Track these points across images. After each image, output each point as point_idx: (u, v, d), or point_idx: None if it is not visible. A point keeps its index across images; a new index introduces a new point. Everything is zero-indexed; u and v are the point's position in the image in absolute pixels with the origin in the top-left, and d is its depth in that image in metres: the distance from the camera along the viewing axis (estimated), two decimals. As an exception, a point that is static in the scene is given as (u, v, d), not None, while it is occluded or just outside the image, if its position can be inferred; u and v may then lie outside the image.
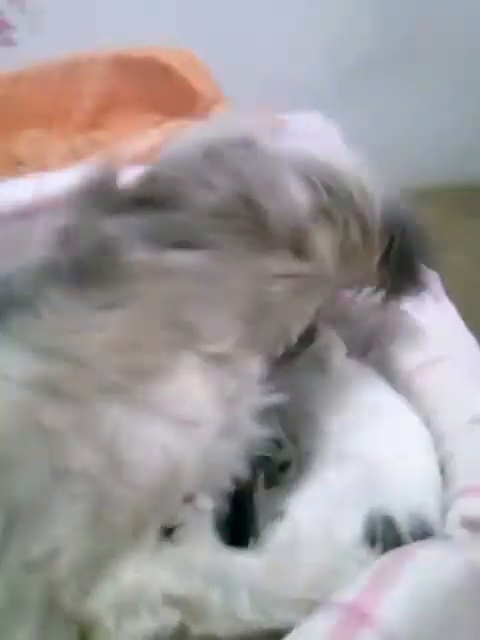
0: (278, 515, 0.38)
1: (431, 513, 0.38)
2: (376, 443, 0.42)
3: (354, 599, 0.31)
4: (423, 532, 0.38)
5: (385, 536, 0.37)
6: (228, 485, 0.38)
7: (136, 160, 0.76)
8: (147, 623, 0.32)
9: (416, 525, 0.38)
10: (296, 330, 0.43)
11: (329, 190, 0.39)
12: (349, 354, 0.50)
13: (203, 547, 0.35)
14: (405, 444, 0.42)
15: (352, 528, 0.37)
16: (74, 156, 0.94)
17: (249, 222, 0.38)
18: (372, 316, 0.55)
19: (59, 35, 1.37)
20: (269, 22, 1.40)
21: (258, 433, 0.39)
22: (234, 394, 0.38)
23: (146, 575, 0.33)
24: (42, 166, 0.95)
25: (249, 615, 0.32)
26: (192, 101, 1.00)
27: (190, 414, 0.36)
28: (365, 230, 0.40)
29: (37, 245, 0.45)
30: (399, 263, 0.43)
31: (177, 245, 0.38)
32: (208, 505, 0.37)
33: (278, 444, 0.43)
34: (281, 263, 0.39)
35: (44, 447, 0.34)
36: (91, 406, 0.35)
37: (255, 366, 0.40)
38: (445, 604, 0.31)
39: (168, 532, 0.35)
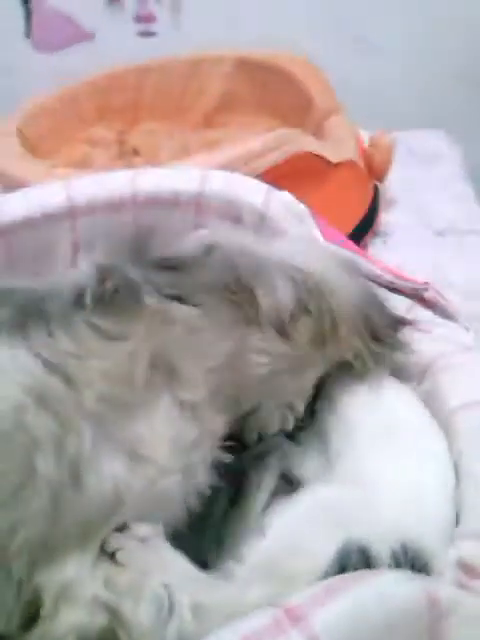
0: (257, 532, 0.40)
1: (429, 548, 0.38)
2: (384, 469, 0.42)
3: (296, 604, 0.32)
4: (414, 566, 0.37)
5: (358, 566, 0.37)
6: (180, 515, 0.43)
7: (236, 163, 0.79)
8: (81, 616, 0.35)
9: (403, 559, 0.37)
10: (297, 405, 0.50)
11: (307, 288, 0.49)
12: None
13: (141, 567, 0.38)
14: (418, 474, 0.42)
15: (325, 553, 0.37)
16: (184, 153, 0.97)
17: (243, 300, 0.47)
18: (432, 346, 0.56)
19: (197, 28, 1.42)
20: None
21: (205, 481, 0.44)
22: (192, 443, 0.43)
23: (85, 575, 0.37)
24: (153, 159, 0.99)
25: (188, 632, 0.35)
26: (308, 110, 1.01)
27: (147, 452, 0.41)
28: (333, 321, 0.49)
29: (68, 262, 0.52)
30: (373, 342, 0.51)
31: (179, 300, 0.46)
32: (146, 532, 0.40)
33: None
34: (266, 340, 0.47)
35: (21, 443, 0.39)
36: (69, 424, 0.40)
37: (219, 424, 0.46)
38: (387, 629, 0.31)
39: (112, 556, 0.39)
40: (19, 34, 1.54)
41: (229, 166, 0.76)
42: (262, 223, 0.68)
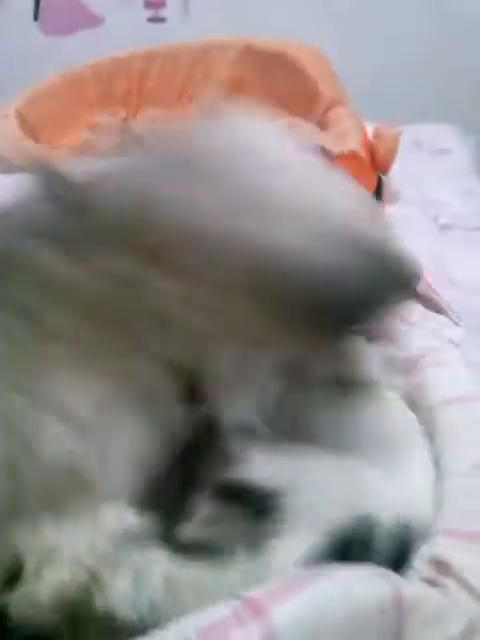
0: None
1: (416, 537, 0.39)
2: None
3: (257, 596, 0.31)
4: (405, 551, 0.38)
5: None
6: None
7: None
8: (63, 575, 0.36)
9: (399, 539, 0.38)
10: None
11: None
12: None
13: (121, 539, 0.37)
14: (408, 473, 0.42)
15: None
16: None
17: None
18: (422, 341, 0.56)
19: (207, 14, 1.41)
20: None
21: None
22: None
23: (67, 541, 0.37)
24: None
25: (159, 603, 0.35)
26: (314, 99, 1.00)
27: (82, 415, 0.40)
28: None
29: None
30: None
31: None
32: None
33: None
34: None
35: None
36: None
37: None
38: (350, 625, 0.31)
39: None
40: (28, 17, 1.54)
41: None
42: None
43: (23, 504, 0.38)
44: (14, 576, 0.37)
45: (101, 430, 0.40)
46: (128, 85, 1.08)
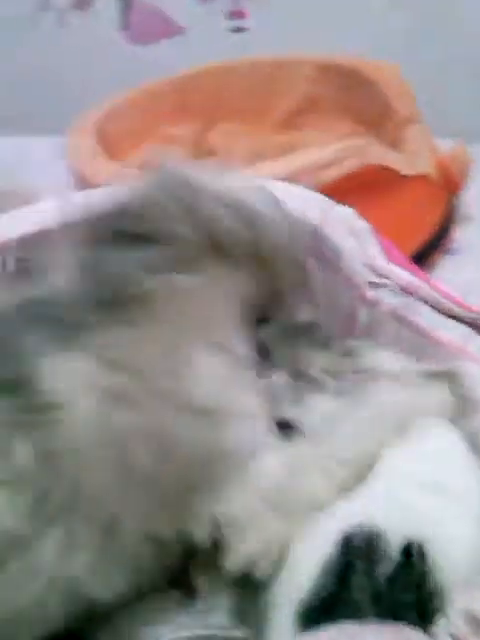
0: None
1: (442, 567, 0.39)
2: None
3: None
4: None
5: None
6: None
7: (302, 173, 0.78)
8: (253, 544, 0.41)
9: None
10: None
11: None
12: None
13: None
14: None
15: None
16: (257, 158, 0.97)
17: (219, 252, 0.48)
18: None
19: (289, 25, 1.41)
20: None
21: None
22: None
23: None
24: (229, 161, 1.00)
25: None
26: (388, 117, 0.99)
27: (211, 405, 0.43)
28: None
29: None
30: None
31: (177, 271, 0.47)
32: None
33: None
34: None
35: (113, 448, 0.40)
36: (150, 410, 0.40)
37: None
38: None
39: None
40: (114, 26, 1.57)
41: (295, 176, 0.76)
42: (317, 239, 0.68)
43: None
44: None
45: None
46: (204, 99, 1.10)
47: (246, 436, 0.43)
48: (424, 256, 0.85)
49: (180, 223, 0.48)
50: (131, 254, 0.46)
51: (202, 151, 1.05)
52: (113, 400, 0.40)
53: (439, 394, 0.52)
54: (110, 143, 0.97)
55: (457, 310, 0.60)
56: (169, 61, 1.34)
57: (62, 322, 0.44)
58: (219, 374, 0.44)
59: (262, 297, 0.52)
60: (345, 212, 0.69)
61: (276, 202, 0.56)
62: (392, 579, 0.39)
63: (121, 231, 0.48)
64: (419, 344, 0.61)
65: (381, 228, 0.83)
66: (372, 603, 0.38)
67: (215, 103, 1.10)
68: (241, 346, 0.48)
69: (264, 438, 0.44)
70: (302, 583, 0.40)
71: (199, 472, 0.41)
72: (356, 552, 0.40)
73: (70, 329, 0.43)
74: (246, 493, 0.42)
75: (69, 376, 0.40)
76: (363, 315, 0.68)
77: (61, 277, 0.47)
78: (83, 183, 0.85)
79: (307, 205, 0.68)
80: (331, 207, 0.69)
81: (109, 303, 0.44)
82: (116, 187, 0.69)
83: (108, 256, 0.46)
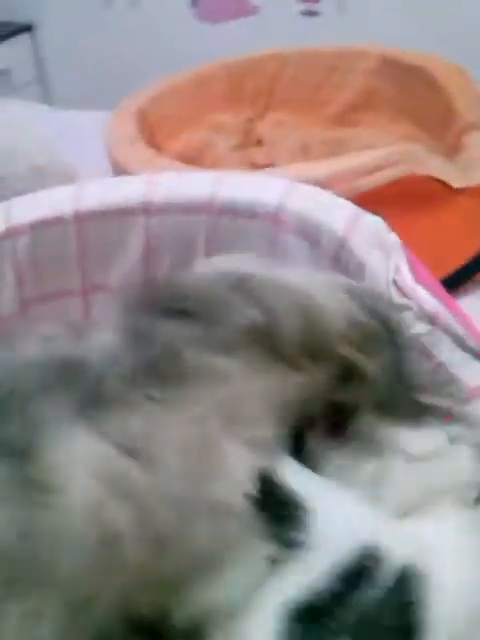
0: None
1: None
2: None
3: None
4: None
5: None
6: None
7: (342, 177, 0.73)
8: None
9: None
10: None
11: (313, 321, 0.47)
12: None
13: None
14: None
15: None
16: (303, 154, 0.92)
17: (267, 342, 0.44)
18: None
19: (362, 10, 1.34)
20: None
21: None
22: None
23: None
24: (272, 153, 0.95)
25: None
26: (450, 120, 0.92)
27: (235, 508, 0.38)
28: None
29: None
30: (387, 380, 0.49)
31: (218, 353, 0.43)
32: None
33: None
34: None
35: (103, 542, 0.36)
36: (151, 509, 0.37)
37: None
38: None
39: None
40: (185, 2, 1.53)
41: (333, 180, 0.71)
42: (341, 251, 0.62)
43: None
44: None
45: None
46: (258, 86, 1.05)
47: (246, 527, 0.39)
48: (465, 276, 0.79)
49: (231, 306, 0.45)
50: (181, 330, 0.44)
51: (250, 140, 1.01)
52: (114, 489, 0.36)
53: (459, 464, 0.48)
54: (151, 127, 0.93)
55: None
56: (237, 41, 1.30)
57: (91, 390, 0.40)
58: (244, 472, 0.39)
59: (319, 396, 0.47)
60: (374, 224, 0.63)
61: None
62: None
63: (173, 307, 0.46)
64: (437, 380, 0.56)
65: (423, 243, 0.77)
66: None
67: (268, 91, 1.05)
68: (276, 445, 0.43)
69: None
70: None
71: (196, 567, 0.37)
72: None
73: (96, 399, 0.40)
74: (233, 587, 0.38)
75: (74, 454, 0.37)
76: (384, 339, 0.63)
77: (106, 339, 0.45)
78: (116, 168, 0.82)
79: (333, 215, 0.63)
80: (359, 217, 0.63)
81: (150, 375, 0.41)
82: (133, 179, 0.67)
83: (159, 327, 0.44)
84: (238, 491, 0.38)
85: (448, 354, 0.56)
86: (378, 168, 0.72)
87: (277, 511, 0.40)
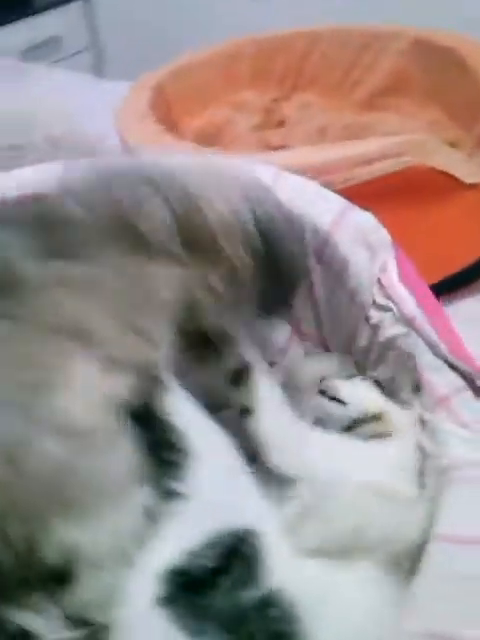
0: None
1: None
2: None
3: None
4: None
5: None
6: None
7: (341, 165, 0.70)
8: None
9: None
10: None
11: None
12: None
13: None
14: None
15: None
16: (319, 137, 0.89)
17: (127, 239, 0.43)
18: (461, 449, 0.48)
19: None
20: None
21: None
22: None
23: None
24: (288, 135, 0.92)
25: None
26: (479, 109, 0.87)
27: (79, 424, 0.38)
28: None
29: None
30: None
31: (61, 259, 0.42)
32: None
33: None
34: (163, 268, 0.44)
35: None
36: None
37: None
38: None
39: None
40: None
41: (329, 168, 0.68)
42: (325, 247, 0.60)
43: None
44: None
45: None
46: (287, 64, 1.02)
47: (120, 469, 0.38)
48: (472, 276, 0.75)
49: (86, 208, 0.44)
50: (20, 240, 0.42)
51: (271, 121, 0.98)
52: None
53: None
54: (167, 103, 0.91)
55: (451, 359, 0.52)
56: (276, 17, 1.27)
57: None
58: (97, 391, 0.39)
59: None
60: (363, 219, 0.60)
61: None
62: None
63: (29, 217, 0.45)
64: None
65: (426, 239, 0.74)
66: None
67: (297, 70, 1.01)
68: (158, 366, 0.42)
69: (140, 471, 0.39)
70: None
71: (55, 494, 0.37)
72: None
73: None
74: (103, 530, 0.37)
75: None
76: (363, 339, 0.60)
77: None
78: (123, 143, 0.81)
79: (319, 208, 0.60)
80: (347, 212, 0.61)
81: None
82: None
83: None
84: (84, 408, 0.38)
85: (421, 359, 0.54)
86: (379, 158, 0.69)
87: (156, 451, 0.38)
